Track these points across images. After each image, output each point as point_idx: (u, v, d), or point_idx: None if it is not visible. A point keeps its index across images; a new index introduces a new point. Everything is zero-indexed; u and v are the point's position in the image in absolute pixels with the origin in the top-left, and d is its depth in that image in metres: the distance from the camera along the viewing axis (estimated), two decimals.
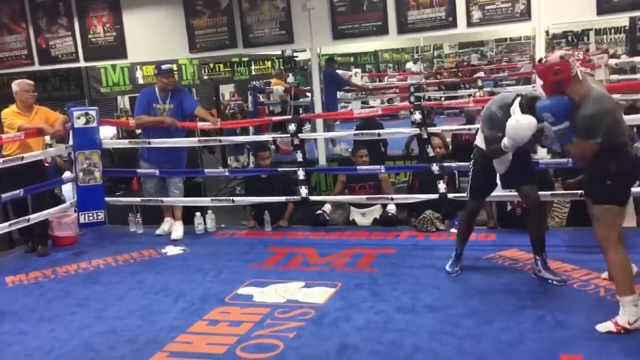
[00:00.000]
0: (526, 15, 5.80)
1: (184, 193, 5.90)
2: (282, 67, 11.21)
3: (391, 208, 5.51)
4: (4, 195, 5.10)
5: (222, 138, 6.58)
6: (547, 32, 6.19)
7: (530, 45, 11.98)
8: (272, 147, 8.43)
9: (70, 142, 5.72)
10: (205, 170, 6.51)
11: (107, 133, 7.62)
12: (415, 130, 5.33)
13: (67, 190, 6.73)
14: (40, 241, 5.51)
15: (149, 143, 5.65)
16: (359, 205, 5.72)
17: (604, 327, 3.16)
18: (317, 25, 6.44)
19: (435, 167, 5.10)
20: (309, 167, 5.82)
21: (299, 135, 5.56)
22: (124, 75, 8.28)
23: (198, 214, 5.79)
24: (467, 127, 6.03)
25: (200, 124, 6.04)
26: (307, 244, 5.21)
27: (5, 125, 5.35)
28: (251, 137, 7.41)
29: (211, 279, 4.50)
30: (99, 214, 5.75)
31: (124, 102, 10.35)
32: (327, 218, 5.70)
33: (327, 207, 5.75)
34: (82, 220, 5.70)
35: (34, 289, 4.57)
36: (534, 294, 3.75)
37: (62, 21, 7.08)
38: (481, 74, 11.57)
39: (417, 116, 5.15)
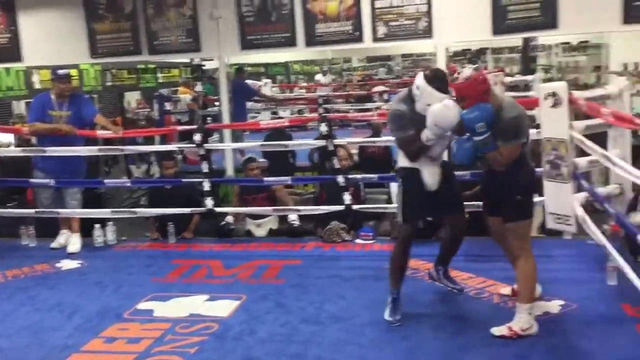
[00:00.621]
0: (428, 32, 6.03)
1: (82, 204, 5.63)
2: (189, 76, 11.03)
3: (293, 218, 5.51)
4: None
5: (124, 147, 6.34)
6: (447, 50, 6.45)
7: (433, 62, 12.50)
8: (180, 157, 8.25)
9: None
10: (105, 180, 6.26)
11: (1, 140, 7.18)
12: (321, 142, 5.38)
13: None
14: None
15: (44, 152, 5.36)
16: (254, 217, 5.69)
17: (498, 330, 3.28)
18: (225, 34, 6.39)
19: (340, 179, 5.16)
20: (215, 178, 5.73)
21: (205, 145, 5.46)
22: (19, 79, 7.84)
23: (97, 226, 5.55)
24: (372, 139, 6.15)
25: (100, 133, 5.79)
26: (212, 255, 5.12)
27: None
28: (156, 147, 7.20)
29: (110, 293, 4.32)
30: None
31: (19, 107, 9.78)
32: (232, 228, 5.63)
33: (230, 219, 5.68)
34: None
35: None
36: (434, 302, 3.87)
37: None
38: (381, 87, 11.87)
39: (324, 128, 5.19)
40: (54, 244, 5.52)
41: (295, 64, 16.91)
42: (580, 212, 3.97)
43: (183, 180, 5.65)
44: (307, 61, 16.82)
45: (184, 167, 7.70)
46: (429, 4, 5.92)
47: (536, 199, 4.03)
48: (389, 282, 3.68)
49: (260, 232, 5.69)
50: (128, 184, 6.42)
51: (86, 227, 5.58)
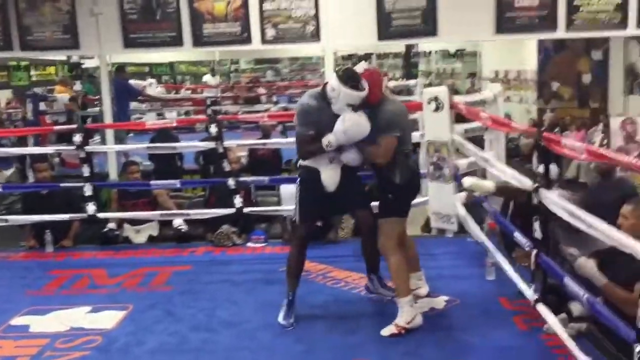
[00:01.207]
0: (316, 36, 6.10)
1: None
2: (67, 74, 10.41)
3: (179, 223, 5.34)
4: None
5: None
6: (335, 54, 6.56)
7: (320, 65, 12.71)
8: (57, 160, 7.76)
9: None
10: None
11: None
12: (210, 144, 5.26)
13: None
14: None
15: None
16: (133, 222, 5.44)
17: (387, 330, 3.36)
18: (107, 31, 6.10)
19: (231, 182, 5.08)
20: (97, 182, 5.44)
21: (86, 148, 5.17)
22: None
23: None
24: (262, 141, 6.12)
25: None
26: (94, 264, 4.86)
27: None
28: (31, 149, 6.72)
29: None
30: None
31: None
32: (117, 234, 5.37)
33: (112, 225, 5.41)
34: None
35: None
36: (325, 303, 3.90)
37: None
38: (261, 89, 11.91)
39: (213, 129, 5.09)
40: None
41: (181, 64, 16.51)
42: (461, 211, 4.18)
43: (61, 185, 5.30)
44: (194, 62, 16.48)
45: (62, 171, 7.26)
46: (316, 8, 6.00)
47: (419, 199, 4.22)
48: (286, 285, 3.66)
49: (140, 238, 5.45)
50: None
51: None
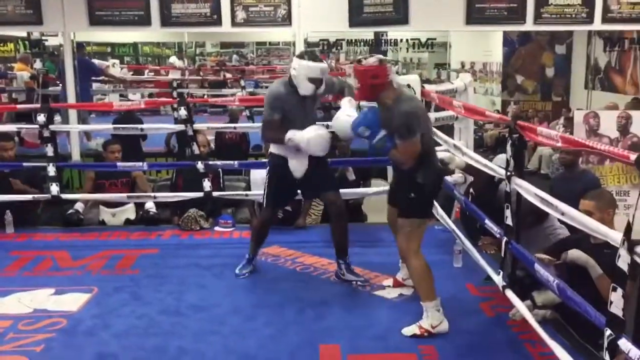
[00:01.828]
0: (287, 20, 6.06)
1: None
2: (28, 51, 10.09)
3: (150, 206, 5.27)
4: None
5: None
6: (305, 40, 6.54)
7: (288, 51, 12.63)
8: (16, 139, 7.54)
9: None
10: None
11: None
12: (180, 127, 5.19)
13: None
14: None
15: None
16: (109, 204, 5.35)
17: (409, 330, 3.20)
18: (71, 8, 5.94)
19: (200, 165, 5.02)
20: (60, 163, 5.30)
21: (51, 127, 5.03)
22: None
23: None
24: (232, 125, 6.07)
25: None
26: (57, 246, 4.73)
27: None
28: None
29: None
30: None
31: None
32: (82, 217, 5.25)
33: (80, 206, 5.28)
34: None
35: None
36: (295, 289, 3.89)
37: None
38: (230, 74, 11.82)
39: (183, 112, 5.01)
40: None
41: (145, 46, 16.17)
42: None
43: (24, 164, 5.14)
44: (158, 43, 16.16)
45: (21, 150, 7.06)
46: None
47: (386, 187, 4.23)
48: (250, 246, 4.10)
49: (115, 221, 5.34)
50: None
51: None
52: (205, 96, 10.06)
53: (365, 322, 3.39)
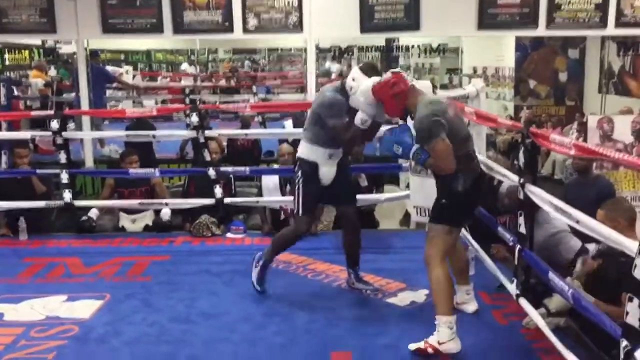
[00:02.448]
0: (298, 27, 6.06)
1: None
2: (43, 59, 10.20)
3: (165, 213, 5.29)
4: None
5: None
6: (316, 46, 6.54)
7: (300, 57, 12.66)
8: (31, 146, 7.60)
9: None
10: None
11: None
12: (192, 133, 5.20)
13: None
14: None
15: None
16: (129, 211, 5.39)
17: (414, 345, 3.08)
18: (85, 16, 5.97)
19: (211, 172, 5.02)
20: (73, 169, 5.33)
21: (63, 134, 5.06)
22: None
23: None
24: (244, 131, 6.07)
25: None
26: (70, 252, 4.76)
27: None
28: (4, 134, 6.55)
29: None
30: None
31: None
32: (94, 224, 5.27)
33: (94, 213, 5.31)
34: None
35: None
36: (306, 296, 3.87)
37: None
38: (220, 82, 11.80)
39: (195, 119, 5.02)
40: None
41: (158, 53, 16.30)
42: None
43: (38, 171, 5.18)
44: (170, 50, 16.28)
45: (35, 157, 7.11)
46: None
47: (399, 193, 4.20)
48: (267, 252, 3.85)
49: (135, 227, 5.37)
50: None
51: None
52: (217, 102, 10.10)
53: (377, 330, 3.37)
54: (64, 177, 5.01)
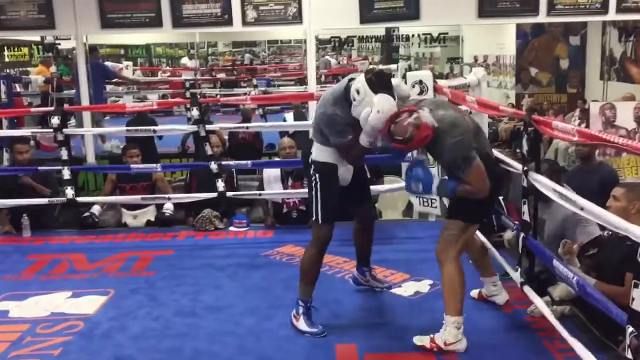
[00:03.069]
0: (298, 18, 6.04)
1: None
2: (50, 54, 10.18)
3: (168, 207, 5.29)
4: None
5: None
6: (316, 37, 6.52)
7: (301, 49, 12.61)
8: (32, 143, 7.60)
9: None
10: None
11: None
12: (193, 128, 5.19)
13: None
14: None
15: None
16: (130, 207, 5.39)
17: (419, 340, 3.03)
18: (83, 11, 5.97)
19: (214, 166, 5.02)
20: (75, 166, 5.33)
21: (64, 130, 5.05)
22: None
23: None
24: (244, 125, 6.06)
25: None
26: (73, 249, 4.76)
27: None
28: (6, 132, 6.55)
29: None
30: None
31: None
32: (97, 220, 5.28)
33: (96, 209, 5.31)
34: None
35: None
36: None
37: None
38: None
39: (195, 113, 5.01)
40: None
41: (158, 47, 16.26)
42: None
43: (39, 168, 5.18)
44: (170, 44, 16.25)
45: (37, 154, 7.11)
46: None
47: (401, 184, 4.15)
48: (300, 290, 3.32)
49: (137, 223, 5.38)
50: None
51: None
52: (218, 96, 10.08)
53: (381, 321, 3.38)
54: (66, 174, 5.01)
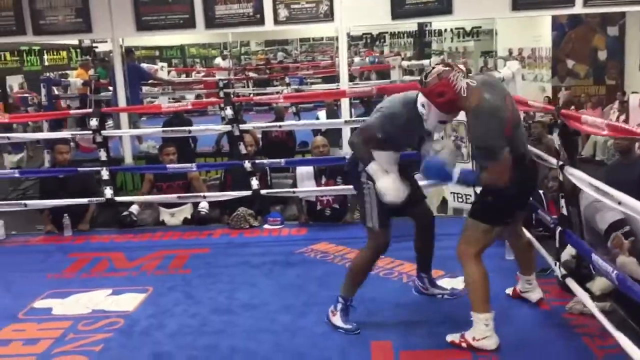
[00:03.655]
0: (329, 16, 6.04)
1: None
2: (89, 57, 10.40)
3: (203, 206, 5.37)
4: None
5: (11, 135, 5.90)
6: (348, 34, 6.51)
7: (332, 46, 12.59)
8: (72, 144, 7.79)
9: None
10: None
11: None
12: (226, 127, 5.25)
13: None
14: None
15: None
16: (168, 205, 5.49)
17: (451, 336, 3.04)
18: (119, 14, 6.08)
19: (247, 164, 5.07)
20: (113, 166, 5.45)
21: (102, 131, 5.17)
22: None
23: None
24: (277, 123, 6.10)
25: None
26: (113, 247, 4.88)
27: None
28: (48, 134, 6.73)
29: (0, 293, 3.99)
30: None
31: None
32: (135, 219, 5.39)
33: (135, 208, 5.43)
34: None
35: None
36: None
37: None
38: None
39: (229, 112, 5.07)
40: None
41: (191, 48, 16.44)
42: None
43: (79, 169, 5.31)
44: (204, 44, 16.41)
45: (76, 155, 7.29)
46: None
47: None
48: (343, 288, 3.31)
49: (174, 221, 5.49)
50: (16, 175, 5.96)
51: None
52: (251, 95, 10.16)
53: (417, 318, 3.37)
54: (105, 174, 5.13)
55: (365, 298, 3.60)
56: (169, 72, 11.87)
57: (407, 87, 4.00)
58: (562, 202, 2.93)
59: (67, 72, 11.18)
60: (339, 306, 3.29)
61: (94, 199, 5.20)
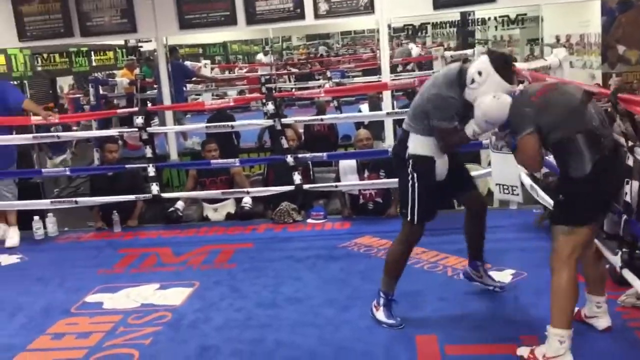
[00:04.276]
0: (370, 8, 6.00)
1: (17, 196, 5.37)
2: (133, 57, 10.65)
3: (247, 201, 5.43)
4: None
5: (61, 134, 6.08)
6: (389, 26, 6.45)
7: (374, 39, 12.52)
8: (120, 142, 7.99)
9: None
10: (43, 170, 5.97)
11: None
12: (268, 122, 5.28)
13: None
14: None
15: None
16: (211, 201, 5.57)
17: (520, 350, 2.84)
18: (162, 14, 6.19)
19: (290, 159, 5.09)
20: (159, 163, 5.56)
21: (148, 129, 5.28)
22: None
23: (37, 217, 5.29)
24: (319, 117, 6.10)
25: (34, 119, 5.48)
26: (160, 243, 4.98)
27: None
28: (95, 132, 6.93)
29: (54, 288, 4.13)
30: None
31: None
32: (181, 215, 5.49)
33: (180, 204, 5.53)
34: None
35: None
36: None
37: None
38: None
39: (270, 107, 5.10)
40: None
41: (233, 44, 16.60)
42: (527, 181, 4.05)
43: (127, 166, 5.44)
44: (246, 41, 16.54)
45: (124, 153, 7.47)
46: None
47: (481, 171, 3.97)
48: (383, 283, 3.28)
49: (218, 216, 5.57)
50: (67, 173, 6.15)
51: (24, 220, 5.33)
52: (293, 90, 10.19)
53: (462, 312, 3.33)
54: (151, 171, 5.23)
55: (410, 292, 3.58)
56: (212, 69, 12.00)
57: None
58: (627, 188, 2.74)
59: (114, 72, 11.45)
60: (381, 301, 3.26)
61: (141, 195, 5.31)
